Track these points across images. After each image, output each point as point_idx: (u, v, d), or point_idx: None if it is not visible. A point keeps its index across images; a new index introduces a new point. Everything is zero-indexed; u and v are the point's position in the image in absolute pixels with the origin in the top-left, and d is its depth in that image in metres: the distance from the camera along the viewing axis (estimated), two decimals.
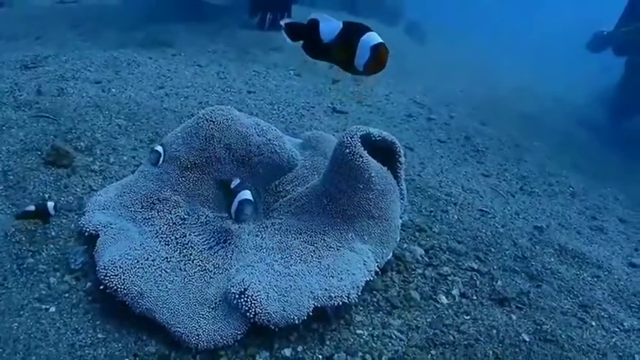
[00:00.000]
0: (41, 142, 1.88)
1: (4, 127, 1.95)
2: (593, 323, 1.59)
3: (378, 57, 1.28)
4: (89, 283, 1.38)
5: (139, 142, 2.03)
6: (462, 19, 7.71)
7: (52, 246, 1.47)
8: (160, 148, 1.61)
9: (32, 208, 1.53)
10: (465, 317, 1.46)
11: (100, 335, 1.25)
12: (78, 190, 1.69)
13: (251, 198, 1.45)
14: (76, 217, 1.57)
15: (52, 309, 1.31)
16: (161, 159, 1.61)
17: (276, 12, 4.29)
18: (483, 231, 1.89)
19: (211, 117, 1.63)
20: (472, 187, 2.26)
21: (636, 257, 2.11)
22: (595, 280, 1.82)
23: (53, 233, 1.51)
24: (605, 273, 1.87)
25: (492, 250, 1.81)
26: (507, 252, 1.82)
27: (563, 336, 1.48)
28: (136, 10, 4.38)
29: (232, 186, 1.55)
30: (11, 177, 1.69)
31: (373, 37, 1.32)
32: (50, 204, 1.54)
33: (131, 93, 2.41)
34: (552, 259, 1.86)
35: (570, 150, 3.34)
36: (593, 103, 4.99)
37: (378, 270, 1.45)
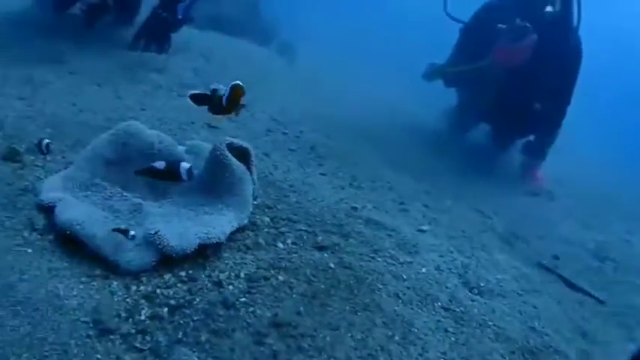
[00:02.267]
0: None
1: None
2: (379, 259, 2.65)
3: (233, 94, 2.27)
4: (51, 237, 2.26)
5: (66, 146, 2.90)
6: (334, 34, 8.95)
7: (21, 214, 2.34)
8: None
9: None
10: (294, 255, 2.50)
11: (65, 264, 2.15)
12: (30, 178, 2.55)
13: (189, 165, 2.41)
14: (32, 196, 2.44)
15: (30, 250, 2.18)
16: None
17: (157, 41, 5.16)
18: (313, 209, 2.94)
19: (126, 129, 2.58)
20: (310, 182, 3.33)
21: (425, 226, 3.25)
22: (387, 237, 2.89)
23: (20, 205, 2.37)
24: (396, 233, 2.95)
25: (317, 220, 2.86)
26: (328, 221, 2.87)
27: (356, 265, 2.52)
28: (21, 23, 4.99)
29: (159, 167, 2.45)
30: None
31: (236, 82, 2.32)
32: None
33: (52, 108, 3.26)
34: (360, 226, 2.93)
35: (399, 156, 4.56)
36: (439, 118, 6.42)
37: (238, 227, 2.47)
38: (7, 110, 3.08)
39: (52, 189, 2.42)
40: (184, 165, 2.41)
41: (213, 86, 2.39)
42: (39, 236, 2.26)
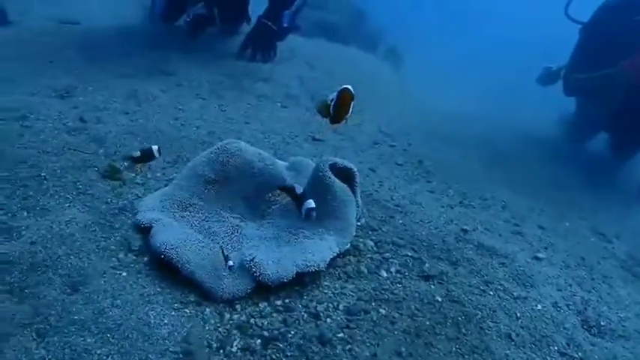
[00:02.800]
0: (96, 161, 2.68)
1: (65, 149, 2.74)
2: (491, 293, 2.38)
3: (340, 100, 2.04)
4: (146, 259, 2.16)
5: (167, 162, 2.83)
6: (441, 38, 8.61)
7: (117, 234, 2.26)
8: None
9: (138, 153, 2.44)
10: (398, 285, 2.27)
11: (158, 289, 2.04)
12: (129, 197, 2.49)
13: (314, 205, 2.20)
14: (130, 215, 2.36)
15: (124, 274, 2.09)
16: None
17: (264, 51, 5.10)
18: (420, 232, 2.71)
19: (226, 147, 2.45)
20: (418, 200, 3.08)
21: (541, 253, 2.93)
22: (500, 265, 2.62)
23: (117, 226, 2.30)
24: (510, 261, 2.67)
25: (424, 244, 2.62)
26: (436, 246, 2.63)
27: (466, 299, 2.27)
28: (134, 35, 5.09)
29: (298, 192, 2.28)
30: (80, 186, 2.49)
31: (344, 86, 2.06)
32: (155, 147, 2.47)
33: (154, 123, 3.22)
34: (470, 252, 2.67)
35: (512, 170, 4.21)
36: (550, 127, 5.91)
37: (339, 253, 2.28)
38: (110, 125, 3.06)
39: (149, 208, 2.34)
40: (309, 203, 2.24)
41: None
42: (134, 258, 2.17)
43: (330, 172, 2.27)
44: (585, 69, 4.89)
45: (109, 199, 2.44)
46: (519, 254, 2.79)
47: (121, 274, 2.09)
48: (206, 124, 3.42)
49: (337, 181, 2.30)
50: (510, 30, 10.00)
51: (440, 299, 2.24)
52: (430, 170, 3.61)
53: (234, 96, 4.15)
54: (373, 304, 2.14)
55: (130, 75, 4.11)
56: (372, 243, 2.51)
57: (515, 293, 2.42)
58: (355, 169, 2.40)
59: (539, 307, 2.38)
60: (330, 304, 2.10)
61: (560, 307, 2.44)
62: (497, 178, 3.93)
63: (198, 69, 4.58)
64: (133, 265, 2.13)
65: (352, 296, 2.16)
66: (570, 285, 2.66)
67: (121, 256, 2.17)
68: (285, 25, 5.24)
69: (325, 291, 2.16)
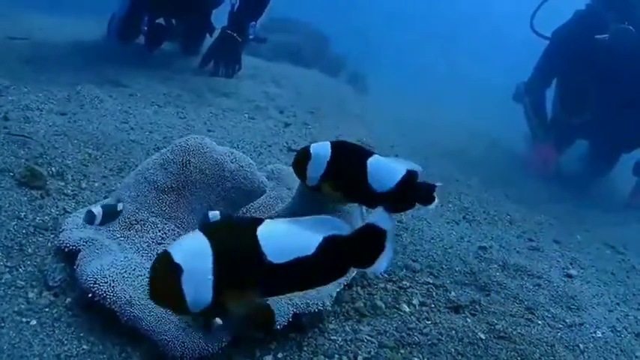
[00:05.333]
0: (13, 165, 1.84)
1: None
2: (539, 322, 1.70)
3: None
4: (69, 299, 1.35)
5: (109, 170, 2.02)
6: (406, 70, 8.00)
7: (29, 262, 1.44)
8: (96, 210, 1.53)
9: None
10: (427, 322, 1.53)
11: (85, 347, 1.23)
12: (52, 211, 1.67)
13: None
14: (52, 236, 1.55)
15: (33, 322, 1.27)
16: (97, 220, 1.53)
17: (227, 62, 4.35)
18: (434, 252, 1.98)
19: (187, 144, 1.66)
20: (420, 216, 2.35)
21: (571, 269, 2.26)
22: (537, 288, 1.93)
23: (30, 250, 1.48)
24: (545, 282, 1.99)
25: (444, 267, 1.89)
26: (457, 268, 1.90)
27: (514, 333, 1.57)
28: (86, 51, 4.32)
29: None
30: None
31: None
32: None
33: (97, 125, 2.40)
34: (497, 273, 1.96)
35: (504, 183, 3.56)
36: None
37: (346, 283, 1.52)
38: (40, 125, 2.21)
39: (78, 225, 1.52)
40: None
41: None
42: (51, 299, 1.35)
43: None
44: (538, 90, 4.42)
45: (22, 214, 1.61)
46: (551, 272, 2.09)
47: (28, 322, 1.27)
48: (161, 129, 2.61)
49: None
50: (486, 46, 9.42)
51: (483, 336, 1.51)
52: None
53: (194, 107, 3.35)
54: (402, 351, 1.38)
55: (77, 83, 3.28)
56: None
57: (567, 320, 1.75)
58: None
59: (600, 334, 1.71)
60: (345, 357, 1.32)
61: (619, 332, 1.77)
62: (497, 192, 3.25)
63: (154, 82, 3.78)
64: (48, 310, 1.32)
65: (372, 343, 1.39)
66: (618, 304, 2.00)
67: (31, 295, 1.35)
68: (251, 37, 4.50)
69: (333, 337, 1.39)
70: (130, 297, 1.24)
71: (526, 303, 1.79)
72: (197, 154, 1.66)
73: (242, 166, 1.72)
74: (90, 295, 1.25)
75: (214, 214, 1.59)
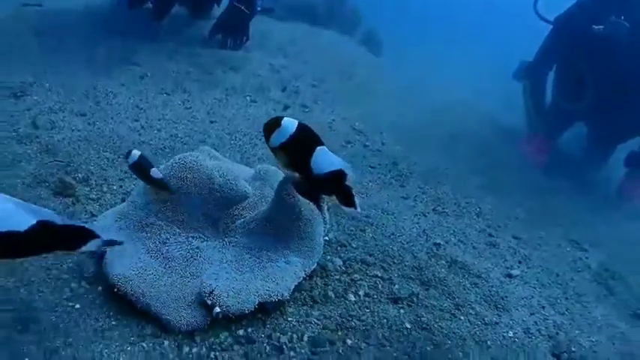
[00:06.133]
0: (47, 175, 2.61)
1: (15, 161, 2.67)
2: (462, 318, 2.36)
3: None
4: (100, 288, 2.12)
5: (124, 172, 2.77)
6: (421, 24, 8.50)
7: (69, 259, 2.22)
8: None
9: None
10: (366, 310, 2.26)
11: (113, 322, 2.00)
12: (82, 216, 2.43)
13: None
14: None
15: (77, 306, 2.04)
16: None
17: (235, 35, 5.03)
18: (391, 247, 2.69)
19: (184, 162, 2.39)
20: (390, 210, 3.06)
21: (515, 269, 2.92)
22: (472, 286, 2.61)
23: None
24: (483, 281, 2.66)
25: (395, 262, 2.60)
26: (407, 264, 2.61)
27: (435, 325, 2.26)
28: (96, 21, 4.98)
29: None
30: None
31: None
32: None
33: (113, 126, 3.14)
34: (442, 270, 2.65)
35: (489, 170, 4.19)
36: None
37: (305, 276, 2.26)
38: (65, 131, 2.97)
39: (104, 229, 2.28)
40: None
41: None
42: (87, 287, 2.13)
43: (293, 191, 2.23)
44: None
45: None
46: (493, 271, 2.79)
47: (74, 306, 2.05)
48: (168, 125, 3.35)
49: (301, 199, 2.26)
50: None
51: (409, 326, 2.24)
52: (404, 173, 3.59)
53: (200, 89, 4.08)
54: (340, 333, 2.13)
55: (91, 66, 4.02)
56: (340, 262, 2.50)
57: (486, 318, 2.42)
58: None
59: (511, 334, 2.38)
60: (295, 335, 2.08)
61: (531, 334, 2.43)
62: (475, 180, 3.92)
63: (164, 58, 4.51)
64: (86, 296, 2.09)
65: (318, 325, 2.14)
66: (544, 307, 2.65)
67: (73, 285, 2.13)
68: (259, 8, 5.17)
69: (290, 319, 2.14)
70: (143, 291, 2.01)
71: (457, 300, 2.46)
72: (192, 171, 2.39)
73: (228, 180, 2.45)
74: (115, 289, 2.02)
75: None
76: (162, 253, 2.23)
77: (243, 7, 4.96)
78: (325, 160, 2.03)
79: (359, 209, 2.10)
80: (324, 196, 2.37)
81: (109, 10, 5.28)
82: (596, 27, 4.32)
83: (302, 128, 2.04)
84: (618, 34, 4.23)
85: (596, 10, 4.46)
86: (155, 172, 2.27)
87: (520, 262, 3.02)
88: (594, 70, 4.58)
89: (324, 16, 7.06)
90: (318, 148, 2.03)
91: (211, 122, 3.56)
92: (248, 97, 4.15)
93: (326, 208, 2.42)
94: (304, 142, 2.04)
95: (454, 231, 3.09)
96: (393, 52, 7.45)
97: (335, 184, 2.07)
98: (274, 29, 5.98)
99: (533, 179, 4.47)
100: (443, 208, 3.33)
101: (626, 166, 4.83)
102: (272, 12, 5.61)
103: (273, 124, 2.04)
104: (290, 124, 2.03)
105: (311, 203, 2.31)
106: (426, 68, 6.63)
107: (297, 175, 2.18)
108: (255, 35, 5.35)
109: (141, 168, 2.26)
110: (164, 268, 2.16)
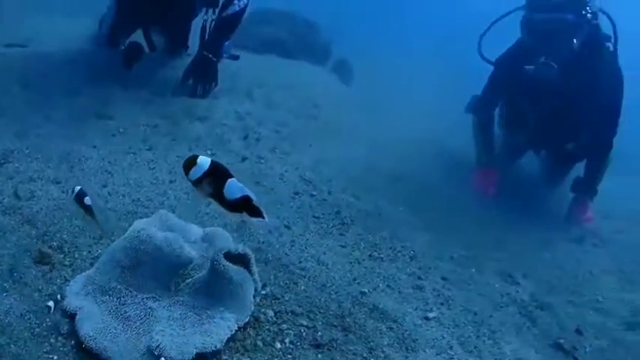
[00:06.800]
0: (29, 244, 3.45)
1: (0, 232, 3.52)
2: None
3: None
4: (73, 342, 2.93)
5: (93, 239, 3.61)
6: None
7: (48, 320, 3.05)
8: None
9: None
10: (289, 356, 3.05)
11: None
12: (58, 281, 3.25)
13: None
14: (59, 299, 3.15)
15: (55, 357, 2.88)
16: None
17: (205, 81, 5.94)
18: (319, 298, 3.47)
19: (138, 236, 3.23)
20: (325, 261, 3.86)
21: (433, 312, 3.66)
22: (388, 330, 3.31)
23: (48, 312, 3.10)
24: (398, 326, 3.35)
25: (322, 311, 3.35)
26: (332, 312, 3.35)
27: None
28: (78, 66, 5.87)
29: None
30: (15, 274, 3.26)
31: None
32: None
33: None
34: (364, 316, 3.35)
35: (431, 209, 5.01)
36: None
37: (238, 328, 3.09)
38: (42, 201, 3.81)
39: (74, 293, 3.12)
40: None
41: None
42: (63, 341, 2.94)
43: (224, 261, 3.05)
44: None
45: (40, 287, 3.21)
46: (410, 315, 3.56)
47: (52, 357, 2.87)
48: (132, 190, 4.19)
49: (231, 266, 3.07)
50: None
51: None
52: (346, 222, 4.40)
53: (166, 146, 4.93)
54: None
55: (69, 124, 4.87)
56: (272, 313, 3.31)
57: None
58: (249, 253, 3.17)
59: None
60: None
61: None
62: (416, 222, 4.73)
63: (137, 110, 5.37)
64: (62, 349, 2.90)
65: None
66: (451, 347, 3.37)
67: (52, 340, 2.94)
68: (225, 55, 6.11)
69: None
70: (105, 346, 2.86)
71: (371, 344, 3.17)
72: (144, 243, 3.22)
73: (174, 249, 3.27)
74: (84, 345, 2.87)
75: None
76: (121, 314, 3.07)
77: (210, 56, 5.88)
78: (235, 188, 2.86)
79: (267, 218, 2.88)
80: (252, 263, 3.22)
81: (91, 50, 6.22)
82: (527, 67, 5.24)
83: (215, 165, 2.88)
84: (546, 75, 5.12)
85: (529, 51, 5.38)
86: (87, 200, 3.21)
87: (442, 305, 3.81)
88: (532, 103, 5.53)
89: (296, 48, 7.92)
90: (229, 179, 2.86)
91: (171, 182, 4.40)
92: (209, 151, 5.01)
93: (256, 271, 3.26)
94: (217, 175, 2.87)
95: (385, 277, 3.88)
96: (364, 79, 8.32)
97: (244, 205, 2.88)
98: (244, 67, 6.83)
99: (478, 214, 5.28)
100: (379, 254, 4.13)
101: (572, 191, 5.77)
102: (237, 58, 6.48)
103: (191, 162, 2.88)
104: (205, 161, 2.86)
105: (241, 269, 3.15)
106: (395, 96, 7.50)
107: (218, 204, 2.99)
108: (225, 78, 6.24)
109: (79, 200, 3.22)
110: (122, 326, 3.01)
